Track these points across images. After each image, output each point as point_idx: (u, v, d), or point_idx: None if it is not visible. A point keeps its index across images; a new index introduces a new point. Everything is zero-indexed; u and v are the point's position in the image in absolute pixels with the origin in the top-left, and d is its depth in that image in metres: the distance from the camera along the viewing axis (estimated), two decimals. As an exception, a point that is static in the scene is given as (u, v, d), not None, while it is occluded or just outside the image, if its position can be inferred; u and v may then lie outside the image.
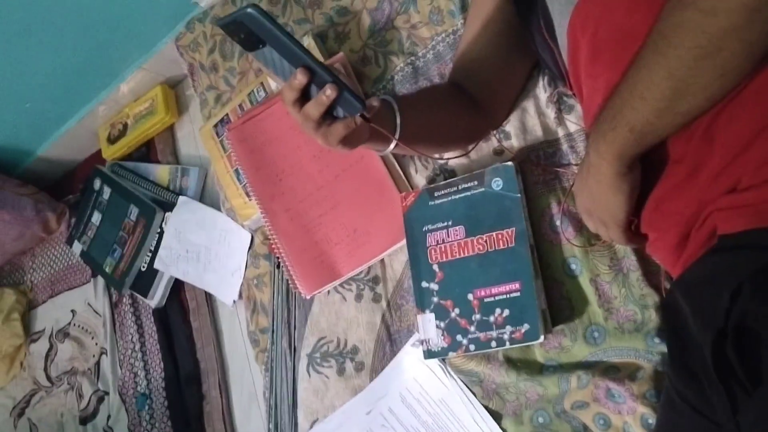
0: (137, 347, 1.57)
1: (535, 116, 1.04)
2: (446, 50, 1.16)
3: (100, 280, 1.68)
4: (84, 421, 1.63)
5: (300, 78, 0.74)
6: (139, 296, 1.57)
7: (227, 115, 1.37)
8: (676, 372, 0.66)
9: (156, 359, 1.53)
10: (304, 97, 0.77)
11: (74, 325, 1.76)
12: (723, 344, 0.55)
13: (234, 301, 1.41)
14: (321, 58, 1.24)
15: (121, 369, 1.59)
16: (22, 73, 1.51)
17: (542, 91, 1.04)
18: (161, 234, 1.54)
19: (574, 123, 1.00)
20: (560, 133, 1.02)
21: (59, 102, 1.67)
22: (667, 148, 0.67)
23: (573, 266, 0.96)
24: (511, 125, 1.06)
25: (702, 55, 0.56)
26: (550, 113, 1.03)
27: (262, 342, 1.30)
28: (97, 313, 1.69)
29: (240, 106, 1.35)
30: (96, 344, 1.68)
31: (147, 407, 1.51)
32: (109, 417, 1.58)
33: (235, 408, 1.39)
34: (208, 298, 1.49)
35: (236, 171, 1.34)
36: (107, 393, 1.61)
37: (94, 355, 1.67)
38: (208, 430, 1.40)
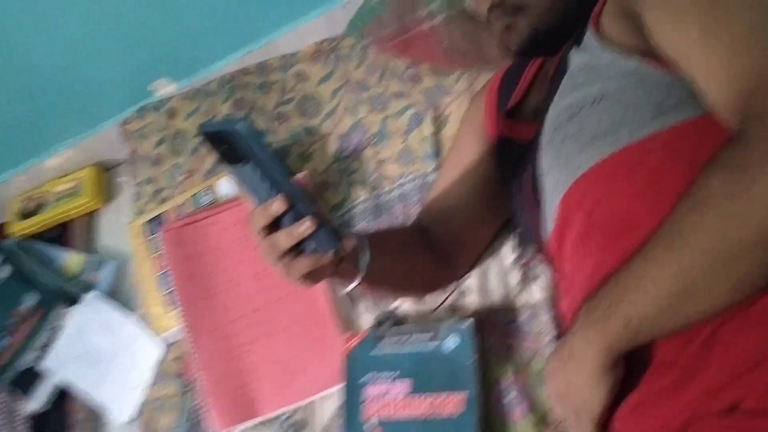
0: (-1, 457, 1.38)
1: (498, 277, 1.03)
2: (413, 192, 1.15)
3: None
4: None
5: (278, 206, 0.70)
6: (17, 395, 1.40)
7: (164, 213, 1.29)
8: None
9: (19, 475, 1.34)
10: (274, 223, 0.73)
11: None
12: None
13: (127, 422, 1.27)
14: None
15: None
16: None
17: (509, 251, 1.03)
18: (58, 329, 1.40)
19: (538, 292, 0.99)
20: (523, 299, 1.00)
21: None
22: (656, 347, 0.65)
23: (521, 446, 0.91)
24: (472, 281, 1.04)
25: (719, 262, 0.56)
26: (515, 277, 1.01)
27: (152, 475, 1.17)
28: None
29: (181, 206, 1.28)
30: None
31: None
32: None
33: None
34: (97, 415, 1.34)
35: (161, 276, 1.25)
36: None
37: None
38: None
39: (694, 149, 0.64)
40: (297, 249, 0.74)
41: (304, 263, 0.74)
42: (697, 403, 0.60)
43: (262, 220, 0.71)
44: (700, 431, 0.60)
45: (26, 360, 1.40)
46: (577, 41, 0.77)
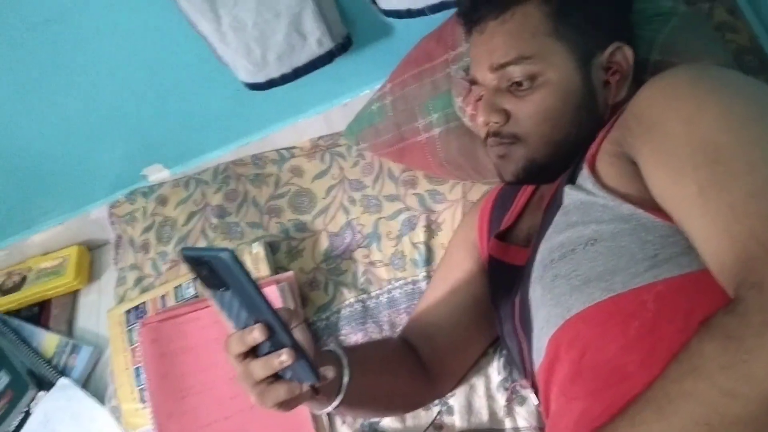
0: None
1: (483, 397, 0.99)
2: (402, 298, 1.12)
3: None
4: None
5: (257, 335, 0.67)
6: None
7: (145, 303, 1.26)
8: None
9: None
10: (252, 349, 0.70)
11: None
12: None
13: None
14: (268, 271, 1.19)
15: None
16: None
17: (495, 372, 1.00)
18: (27, 415, 1.34)
19: (524, 419, 0.95)
20: (508, 424, 0.96)
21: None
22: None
23: None
24: (456, 400, 1.00)
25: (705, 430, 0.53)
26: (500, 399, 0.98)
27: None
28: None
29: (163, 297, 1.25)
30: None
31: None
32: None
33: None
34: (57, 508, 1.28)
35: (136, 371, 1.20)
36: None
37: None
38: None
39: (689, 304, 0.62)
40: (273, 376, 0.71)
41: (279, 391, 0.70)
42: None
43: (239, 347, 0.68)
44: None
45: (-10, 445, 1.35)
46: (572, 178, 0.76)
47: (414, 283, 1.13)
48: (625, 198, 0.69)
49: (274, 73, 1.12)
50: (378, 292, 1.15)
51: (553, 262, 0.73)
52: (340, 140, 1.33)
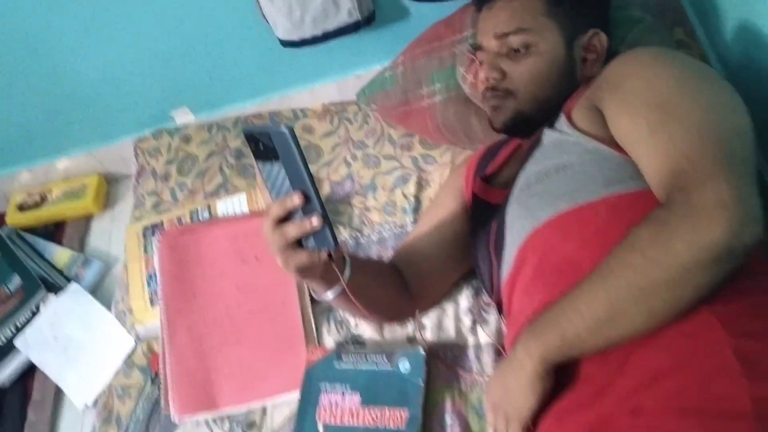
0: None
1: (452, 318, 1.15)
2: (390, 238, 1.28)
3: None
4: None
5: (296, 200, 0.81)
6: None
7: (162, 222, 1.40)
8: None
9: (-33, 440, 1.37)
10: (286, 217, 0.84)
11: None
12: None
13: (86, 406, 1.32)
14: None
15: None
16: None
17: (464, 299, 1.16)
18: (35, 313, 1.46)
19: (486, 336, 1.11)
20: (470, 341, 1.12)
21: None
22: (580, 366, 0.78)
23: (450, 463, 1.01)
24: (428, 319, 1.15)
25: (638, 293, 0.70)
26: (467, 321, 1.14)
27: (102, 456, 1.21)
28: None
29: (179, 218, 1.39)
30: None
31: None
32: None
33: None
34: (57, 395, 1.39)
35: (150, 276, 1.34)
36: None
37: None
38: None
39: (633, 213, 0.78)
40: (297, 244, 0.86)
41: (302, 256, 0.85)
42: (609, 409, 0.73)
43: (279, 210, 0.82)
44: (611, 430, 0.71)
45: (1, 337, 1.45)
46: (551, 124, 0.94)
47: (402, 227, 1.29)
48: (592, 137, 0.87)
49: (308, 33, 1.29)
50: (370, 232, 1.31)
51: (530, 186, 0.91)
52: (349, 107, 1.50)
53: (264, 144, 0.80)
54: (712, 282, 0.69)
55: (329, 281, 0.95)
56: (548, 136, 0.93)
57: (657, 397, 0.69)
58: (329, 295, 0.97)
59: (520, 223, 0.91)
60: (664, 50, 0.90)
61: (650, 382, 0.70)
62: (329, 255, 0.86)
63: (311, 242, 0.85)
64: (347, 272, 0.96)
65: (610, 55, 1.01)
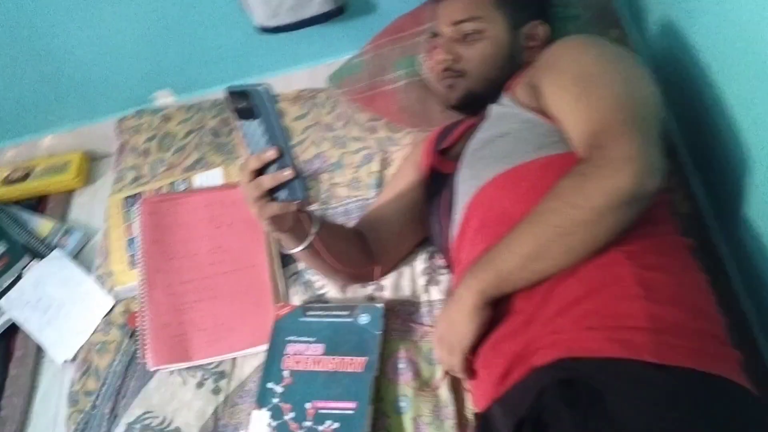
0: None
1: (408, 280, 1.25)
2: (354, 210, 1.38)
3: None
4: None
5: (271, 153, 0.90)
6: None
7: (142, 193, 1.48)
8: None
9: (-49, 393, 1.43)
10: (261, 171, 0.94)
11: None
12: (522, 427, 0.73)
13: (65, 361, 1.40)
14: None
15: None
16: None
17: (419, 263, 1.26)
18: (19, 278, 1.53)
19: (437, 294, 1.22)
20: (423, 298, 1.22)
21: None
22: (512, 302, 0.89)
23: (402, 404, 1.11)
24: (387, 280, 1.26)
25: (560, 233, 0.82)
26: (421, 281, 1.24)
27: (81, 403, 1.28)
28: None
29: (158, 190, 1.48)
30: None
31: None
32: None
33: (18, 464, 1.32)
34: (38, 352, 1.46)
35: (129, 241, 1.42)
36: None
37: None
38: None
39: (560, 171, 0.89)
40: (271, 196, 0.96)
41: (274, 207, 0.95)
42: (534, 334, 0.84)
43: (256, 163, 0.92)
44: (529, 354, 0.83)
45: (-17, 298, 1.52)
46: (496, 101, 1.06)
47: (366, 200, 1.39)
48: (530, 110, 0.99)
49: (283, 21, 1.39)
50: (336, 205, 1.41)
51: (476, 151, 1.03)
52: (320, 93, 1.60)
53: (245, 103, 0.90)
54: (621, 223, 0.81)
55: (298, 236, 1.05)
56: (493, 110, 1.05)
57: (571, 319, 0.81)
58: (298, 249, 1.07)
59: (467, 184, 1.03)
60: (591, 37, 1.04)
61: (567, 308, 0.82)
62: (299, 206, 0.96)
63: (283, 194, 0.95)
64: (314, 228, 1.06)
65: (550, 43, 1.14)
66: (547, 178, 0.90)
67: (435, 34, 1.16)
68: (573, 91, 0.92)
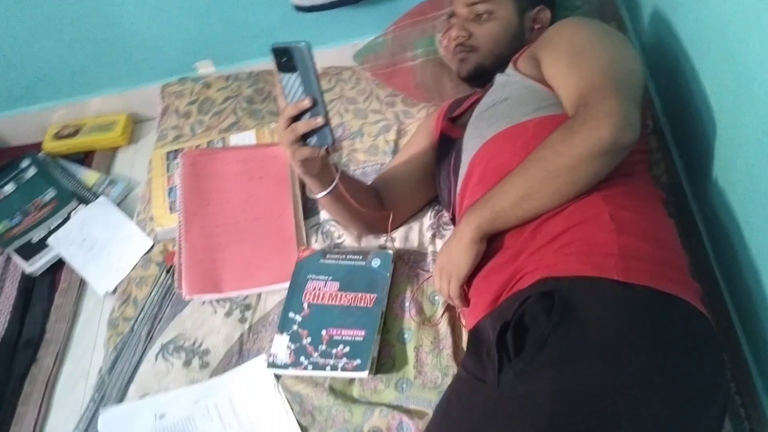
0: (-12, 302, 1.61)
1: (416, 233, 1.39)
2: (371, 173, 1.51)
3: (-22, 239, 1.74)
4: None
5: (307, 103, 1.03)
6: (13, 262, 1.65)
7: (183, 149, 1.63)
8: (467, 357, 0.95)
9: (2, 317, 1.57)
10: (296, 118, 1.07)
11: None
12: (505, 332, 0.86)
13: (106, 293, 1.54)
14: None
15: (-42, 317, 1.61)
16: (24, 44, 1.75)
17: (428, 219, 1.39)
18: (67, 220, 1.68)
19: (441, 245, 1.35)
20: (429, 249, 1.35)
21: (34, 86, 1.87)
22: (504, 239, 1.02)
23: (405, 335, 1.24)
24: (398, 233, 1.39)
25: (547, 176, 0.95)
26: (427, 235, 1.38)
27: (120, 327, 1.42)
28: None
29: (197, 147, 1.62)
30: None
31: (-29, 354, 1.52)
32: None
33: (62, 378, 1.47)
34: (81, 285, 1.60)
35: (170, 189, 1.56)
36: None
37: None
38: (26, 389, 1.45)
39: (553, 129, 1.03)
40: (304, 141, 1.09)
41: (306, 151, 1.08)
42: (520, 265, 0.97)
43: (293, 110, 1.05)
44: (517, 280, 0.96)
45: (35, 236, 1.67)
46: (502, 71, 1.20)
47: (382, 165, 1.53)
48: (530, 78, 1.12)
49: (318, 1, 1.53)
50: (354, 168, 1.55)
51: (481, 113, 1.16)
52: (344, 71, 1.74)
53: (286, 58, 1.03)
54: (600, 170, 0.95)
55: (324, 181, 1.19)
56: (498, 78, 1.19)
57: (553, 249, 0.94)
58: (323, 193, 1.21)
59: (472, 142, 1.16)
60: (586, 18, 1.17)
61: (550, 241, 0.95)
62: (327, 151, 1.10)
63: (314, 140, 1.08)
64: (337, 176, 1.19)
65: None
66: (542, 135, 1.02)
67: (451, 15, 1.30)
68: (567, 61, 1.05)
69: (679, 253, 0.96)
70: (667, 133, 1.35)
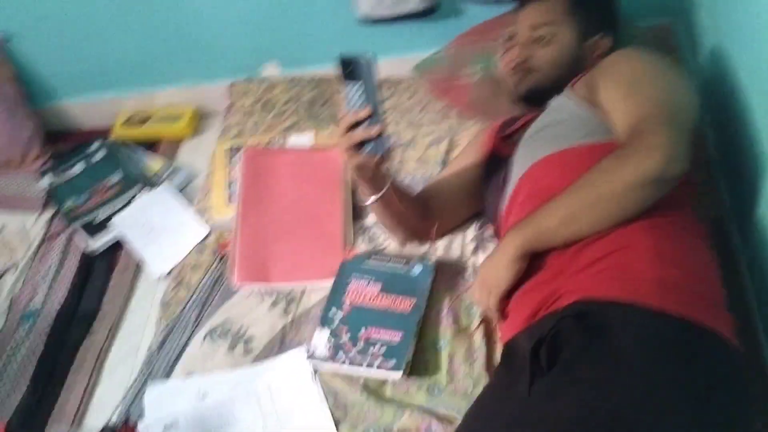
0: (50, 275, 1.69)
1: (459, 244, 1.41)
2: (420, 183, 1.53)
3: (47, 215, 1.83)
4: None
5: (365, 112, 1.07)
6: (76, 238, 1.73)
7: (243, 144, 1.68)
8: (500, 367, 0.97)
9: (62, 290, 1.65)
10: (355, 126, 1.11)
11: (-5, 237, 1.85)
12: (540, 347, 0.88)
13: (161, 276, 1.61)
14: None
15: (23, 285, 1.69)
16: (102, 34, 1.84)
17: (472, 231, 1.42)
18: (130, 202, 1.75)
19: (482, 259, 1.37)
20: (470, 261, 1.38)
21: (108, 75, 1.96)
22: (546, 259, 1.04)
23: (441, 343, 1.26)
24: (440, 243, 1.41)
25: (592, 201, 0.97)
26: (470, 247, 1.40)
27: (171, 309, 1.48)
28: (28, 237, 1.80)
29: (257, 144, 1.68)
30: (7, 259, 1.77)
31: (30, 323, 1.60)
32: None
33: (113, 351, 1.53)
34: (139, 266, 1.67)
35: (229, 183, 1.62)
36: (-6, 299, 1.69)
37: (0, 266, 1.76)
38: (77, 361, 1.52)
39: (602, 155, 1.03)
40: (360, 148, 1.12)
41: (361, 157, 1.12)
42: (559, 286, 0.99)
43: (352, 118, 1.09)
44: (554, 299, 0.97)
45: (99, 215, 1.75)
46: (558, 94, 1.22)
47: (429, 176, 1.55)
48: (584, 103, 1.14)
49: (383, 14, 1.57)
50: (403, 176, 1.58)
51: (534, 134, 1.19)
52: (402, 82, 1.77)
53: (351, 68, 1.08)
54: (646, 199, 0.96)
55: (375, 187, 1.22)
56: (554, 101, 1.20)
57: (592, 273, 0.95)
58: (373, 198, 1.24)
59: (521, 162, 1.19)
60: (646, 50, 1.18)
61: (590, 264, 0.97)
62: (380, 159, 1.13)
63: (369, 147, 1.12)
64: (387, 184, 1.23)
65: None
66: (591, 161, 1.04)
67: (513, 35, 1.32)
68: (623, 90, 1.07)
69: (717, 287, 0.96)
70: (716, 166, 1.35)
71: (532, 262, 1.05)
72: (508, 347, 1.03)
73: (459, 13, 1.67)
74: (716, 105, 1.31)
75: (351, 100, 1.10)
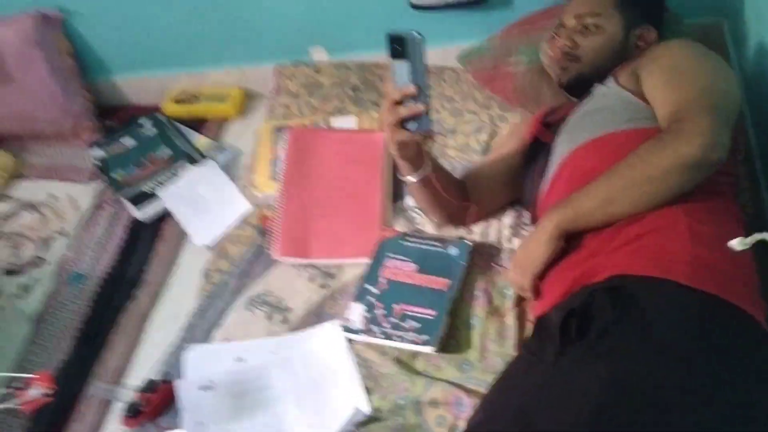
0: (98, 240, 1.77)
1: (496, 230, 1.43)
2: (460, 169, 1.57)
3: (97, 185, 1.91)
4: (9, 272, 1.77)
5: (411, 89, 1.10)
6: (124, 207, 1.81)
7: (289, 125, 1.74)
8: (530, 340, 1.00)
9: (109, 257, 1.73)
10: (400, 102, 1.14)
11: (46, 205, 1.93)
12: (571, 318, 0.90)
13: (204, 246, 1.66)
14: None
15: (72, 251, 1.77)
16: (155, 12, 1.92)
17: (508, 217, 1.44)
18: (176, 175, 1.82)
19: (519, 243, 1.40)
20: (506, 246, 1.40)
21: (160, 53, 2.03)
22: (583, 240, 1.06)
23: (473, 322, 1.29)
24: (477, 228, 1.44)
25: (631, 184, 0.99)
26: (506, 232, 1.42)
27: (213, 278, 1.54)
28: (78, 206, 1.88)
29: (304, 125, 1.73)
30: (58, 226, 1.86)
31: (78, 284, 1.68)
32: (35, 280, 1.73)
33: (155, 316, 1.59)
34: (183, 237, 1.74)
35: (273, 161, 1.67)
36: (45, 261, 1.76)
37: (51, 232, 1.84)
38: (120, 324, 1.59)
39: (643, 141, 1.06)
40: (404, 125, 1.15)
41: (403, 134, 1.14)
42: (593, 264, 1.01)
43: (398, 95, 1.11)
44: (588, 276, 1.00)
45: (146, 187, 1.81)
46: (602, 84, 1.24)
47: (469, 162, 1.58)
48: (628, 91, 1.16)
49: (433, 1, 1.61)
50: (444, 164, 1.61)
51: (576, 120, 1.21)
52: (446, 70, 1.80)
53: (400, 45, 1.10)
54: (684, 183, 0.98)
55: (416, 165, 1.25)
56: (598, 89, 1.23)
57: (626, 251, 0.97)
58: (414, 177, 1.27)
59: (563, 146, 1.21)
60: (690, 41, 1.20)
61: (625, 244, 0.99)
62: (423, 137, 1.16)
63: (413, 125, 1.15)
64: (428, 163, 1.25)
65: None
66: (632, 145, 1.05)
67: (560, 25, 1.34)
68: (666, 76, 1.09)
69: (751, 273, 0.98)
70: (757, 163, 1.35)
71: (568, 242, 1.07)
72: (540, 321, 1.05)
73: (508, 4, 1.69)
74: (759, 102, 1.32)
75: (398, 77, 1.12)
